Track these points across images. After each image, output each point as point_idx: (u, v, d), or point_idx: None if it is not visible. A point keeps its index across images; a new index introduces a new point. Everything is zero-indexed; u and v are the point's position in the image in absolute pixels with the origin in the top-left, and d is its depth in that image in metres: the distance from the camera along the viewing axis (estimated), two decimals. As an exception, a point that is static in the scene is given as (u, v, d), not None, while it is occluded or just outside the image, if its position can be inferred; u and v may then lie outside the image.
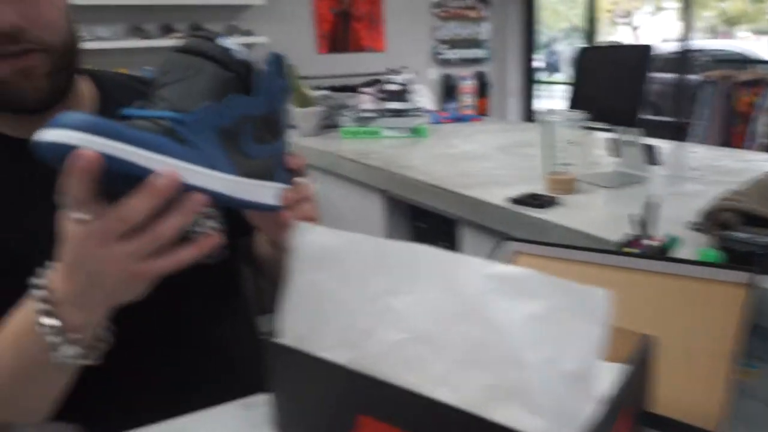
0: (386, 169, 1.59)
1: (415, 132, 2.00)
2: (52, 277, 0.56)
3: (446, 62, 5.77)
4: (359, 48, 5.33)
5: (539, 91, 6.28)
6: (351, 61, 5.26)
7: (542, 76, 6.40)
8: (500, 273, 0.46)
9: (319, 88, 2.84)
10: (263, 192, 0.61)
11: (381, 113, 1.99)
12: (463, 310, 0.47)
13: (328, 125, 2.23)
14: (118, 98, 0.79)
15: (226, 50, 0.59)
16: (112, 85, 0.86)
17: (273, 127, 0.64)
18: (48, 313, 0.56)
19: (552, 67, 8.93)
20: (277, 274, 0.78)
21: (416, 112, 1.99)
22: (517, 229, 1.18)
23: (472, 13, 5.80)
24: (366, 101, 2.00)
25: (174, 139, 0.52)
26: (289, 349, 0.54)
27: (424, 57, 5.64)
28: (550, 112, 1.29)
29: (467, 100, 5.84)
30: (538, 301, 0.43)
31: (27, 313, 0.58)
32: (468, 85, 5.84)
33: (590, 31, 5.68)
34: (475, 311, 0.46)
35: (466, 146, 1.89)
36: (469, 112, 5.73)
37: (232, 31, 4.66)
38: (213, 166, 0.54)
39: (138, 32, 4.34)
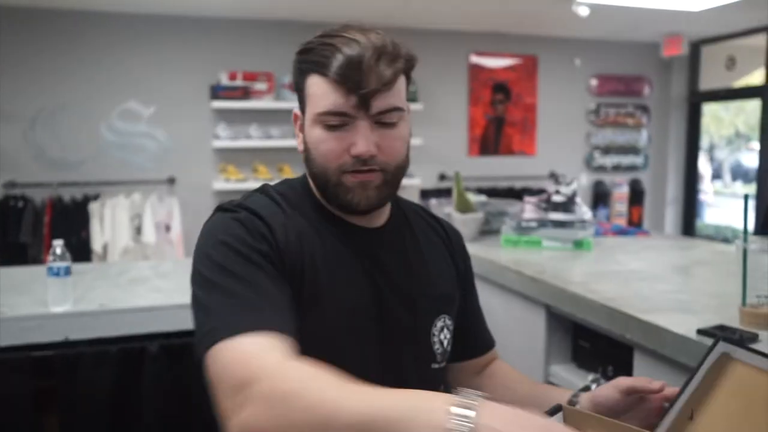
0: (552, 283, 1.54)
1: (578, 245, 1.94)
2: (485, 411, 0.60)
3: (599, 168, 5.64)
4: (510, 151, 5.38)
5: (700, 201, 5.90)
6: (501, 164, 5.32)
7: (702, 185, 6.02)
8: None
9: (467, 189, 2.89)
10: None
11: (543, 223, 1.96)
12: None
13: (486, 231, 2.23)
14: (406, 213, 1.05)
15: None
16: (404, 203, 1.08)
17: None
18: (465, 407, 0.60)
19: (713, 175, 8.44)
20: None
21: (581, 224, 1.94)
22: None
23: (630, 121, 5.69)
24: (529, 210, 1.98)
25: None
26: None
27: (576, 162, 5.57)
28: (747, 234, 1.19)
29: (620, 207, 5.63)
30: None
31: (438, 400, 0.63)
32: (622, 192, 5.64)
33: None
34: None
35: (635, 263, 1.80)
36: (621, 220, 5.50)
37: (390, 133, 4.89)
38: None
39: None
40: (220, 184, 4.40)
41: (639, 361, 1.26)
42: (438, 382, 1.00)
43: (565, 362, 1.60)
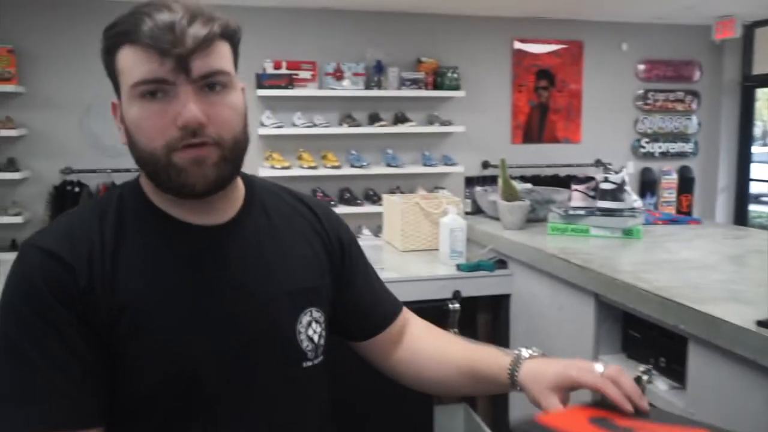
0: (601, 272, 1.53)
1: (628, 233, 1.91)
2: None
3: (647, 155, 5.52)
4: (554, 139, 5.31)
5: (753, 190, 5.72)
6: (545, 152, 5.25)
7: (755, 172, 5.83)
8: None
9: (511, 177, 2.86)
10: None
11: (592, 211, 1.94)
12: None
13: (531, 219, 2.22)
14: (263, 199, 0.97)
15: None
16: (261, 187, 1.00)
17: None
18: None
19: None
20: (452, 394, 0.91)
21: (631, 212, 1.91)
22: (763, 356, 1.06)
23: (680, 106, 5.54)
24: (577, 198, 1.96)
25: None
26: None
27: (623, 149, 5.46)
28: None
29: (668, 195, 5.50)
30: None
31: None
32: (670, 180, 5.51)
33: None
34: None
35: (687, 252, 1.76)
36: (669, 208, 5.38)
37: (433, 120, 4.90)
38: None
39: (349, 120, 4.74)
40: (266, 171, 4.48)
41: (694, 353, 1.25)
42: (314, 378, 0.95)
43: (614, 352, 1.59)
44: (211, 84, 0.81)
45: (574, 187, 2.01)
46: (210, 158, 0.82)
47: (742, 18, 5.06)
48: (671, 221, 2.25)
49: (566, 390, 0.84)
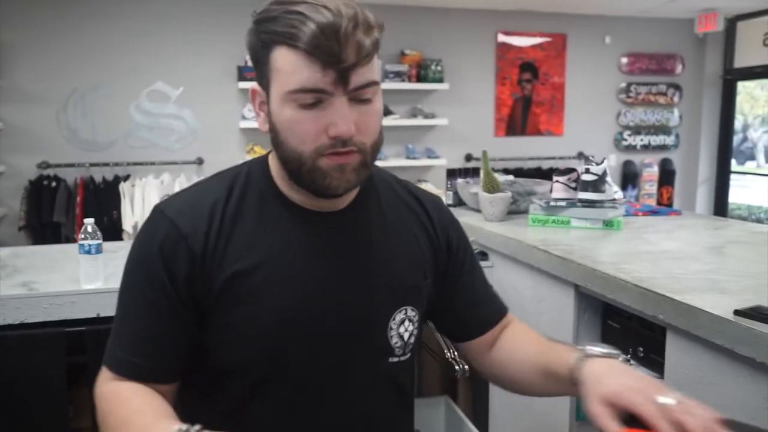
0: (582, 263, 1.52)
1: (609, 224, 1.91)
2: None
3: (629, 148, 5.55)
4: (537, 132, 5.32)
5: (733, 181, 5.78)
6: (528, 145, 5.26)
7: (734, 165, 5.88)
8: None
9: (494, 170, 2.85)
10: None
11: (573, 202, 1.93)
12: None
13: (513, 211, 2.21)
14: (378, 189, 0.98)
15: None
16: (378, 177, 1.00)
17: None
18: None
19: (744, 156, 8.25)
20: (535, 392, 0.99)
21: (611, 203, 1.90)
22: (740, 345, 1.06)
23: (662, 99, 5.57)
24: (558, 189, 1.95)
25: None
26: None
27: (605, 142, 5.48)
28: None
29: (649, 188, 5.54)
30: None
31: None
32: (651, 173, 5.55)
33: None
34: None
35: (667, 243, 1.76)
36: (650, 200, 5.41)
37: (416, 113, 4.88)
38: None
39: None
40: (247, 165, 4.42)
41: (672, 342, 1.24)
42: (398, 373, 0.96)
43: (594, 342, 1.58)
44: (364, 96, 0.81)
45: (555, 178, 2.00)
46: (352, 164, 0.83)
47: (725, 12, 5.08)
48: (651, 212, 2.25)
49: (621, 409, 0.74)
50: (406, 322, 0.94)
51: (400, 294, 0.94)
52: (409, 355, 0.96)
